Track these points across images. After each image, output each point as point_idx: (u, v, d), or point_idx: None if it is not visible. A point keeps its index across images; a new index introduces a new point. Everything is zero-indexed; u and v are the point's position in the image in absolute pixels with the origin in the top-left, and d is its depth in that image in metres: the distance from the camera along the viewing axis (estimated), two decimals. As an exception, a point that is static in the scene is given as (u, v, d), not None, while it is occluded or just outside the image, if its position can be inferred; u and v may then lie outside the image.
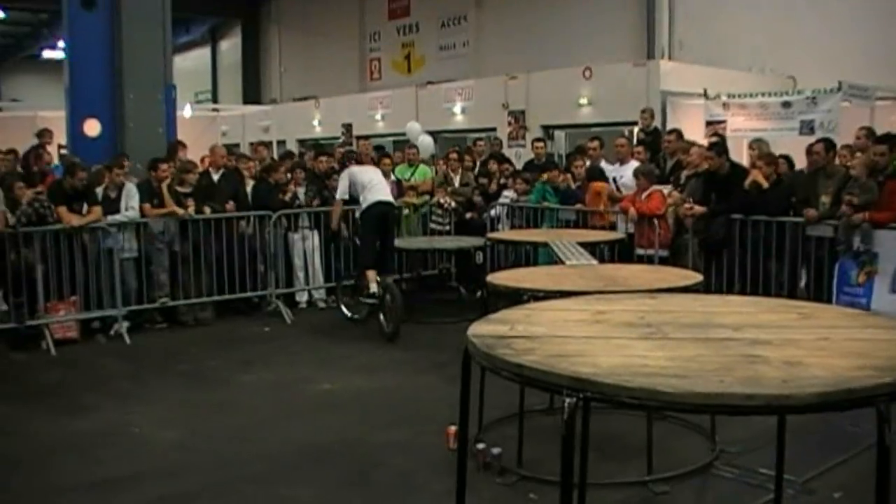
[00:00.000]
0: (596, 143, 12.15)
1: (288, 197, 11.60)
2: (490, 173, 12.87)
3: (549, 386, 2.97)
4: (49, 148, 13.26)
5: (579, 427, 3.10)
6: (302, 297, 12.07)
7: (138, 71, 11.90)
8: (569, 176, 11.52)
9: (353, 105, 21.00)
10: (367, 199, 9.60)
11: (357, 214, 10.01)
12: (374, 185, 9.68)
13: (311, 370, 8.80)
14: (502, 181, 12.58)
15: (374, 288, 9.60)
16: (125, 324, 10.55)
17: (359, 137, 16.74)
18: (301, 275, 11.92)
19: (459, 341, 3.48)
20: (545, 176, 11.56)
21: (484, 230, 11.53)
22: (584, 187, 11.06)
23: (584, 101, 15.20)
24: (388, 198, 9.71)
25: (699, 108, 13.66)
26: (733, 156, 10.50)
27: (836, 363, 3.05)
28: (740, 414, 2.78)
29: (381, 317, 9.67)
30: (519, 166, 13.48)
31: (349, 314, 10.50)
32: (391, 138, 17.47)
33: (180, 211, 11.00)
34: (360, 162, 10.79)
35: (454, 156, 13.31)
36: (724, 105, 13.45)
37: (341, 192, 9.99)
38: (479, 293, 9.04)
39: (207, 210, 11.16)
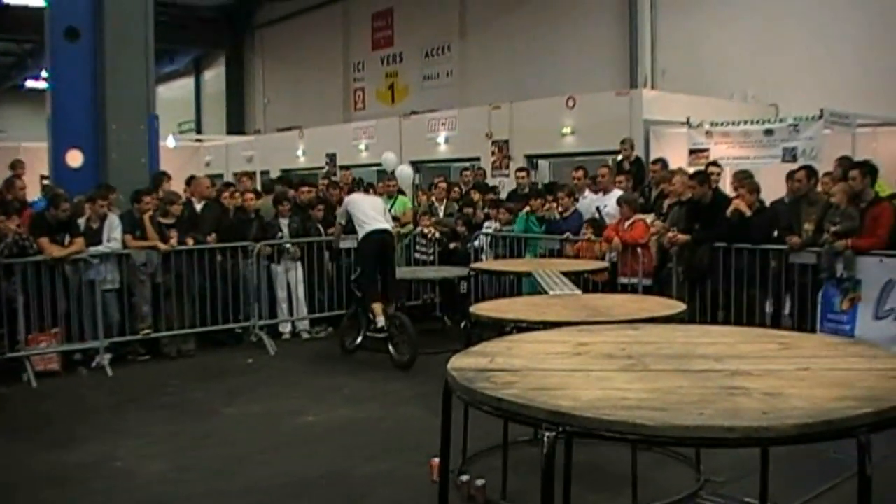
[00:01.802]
0: (580, 173, 12.15)
1: (273, 233, 11.54)
2: (473, 202, 12.81)
3: (529, 420, 2.94)
4: (25, 177, 13.19)
5: (562, 459, 3.05)
6: (285, 329, 11.92)
7: (121, 101, 11.83)
8: (554, 205, 11.40)
9: (336, 135, 20.60)
10: (365, 227, 9.52)
11: (356, 245, 9.94)
12: (373, 214, 9.61)
13: (296, 402, 8.68)
14: (486, 211, 12.52)
15: (381, 322, 9.48)
16: (107, 356, 10.38)
17: (343, 167, 17.00)
18: (284, 306, 11.79)
19: (444, 371, 3.45)
20: (530, 205, 11.51)
21: (468, 260, 11.51)
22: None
23: (567, 130, 14.93)
24: (387, 226, 9.60)
25: (682, 137, 13.45)
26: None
27: (816, 394, 3.02)
28: (721, 447, 2.75)
29: (392, 348, 9.57)
30: (503, 195, 13.49)
31: (346, 344, 10.32)
32: (374, 168, 17.21)
33: (163, 246, 10.87)
34: (364, 189, 10.99)
35: (443, 185, 13.26)
36: (707, 133, 13.23)
37: (341, 216, 10.11)
38: (463, 323, 8.72)
39: (190, 241, 11.04)
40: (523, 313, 5.05)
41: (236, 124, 31.54)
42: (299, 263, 11.69)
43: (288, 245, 11.61)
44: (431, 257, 12.52)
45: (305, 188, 12.60)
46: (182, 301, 10.79)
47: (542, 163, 15.90)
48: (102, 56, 11.77)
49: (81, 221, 10.51)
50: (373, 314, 9.56)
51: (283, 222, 11.85)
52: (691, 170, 11.08)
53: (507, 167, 15.68)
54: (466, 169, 14.76)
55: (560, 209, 11.25)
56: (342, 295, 11.84)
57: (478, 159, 16.40)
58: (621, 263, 10.05)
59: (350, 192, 11.49)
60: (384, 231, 9.52)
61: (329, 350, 10.79)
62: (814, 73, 15.42)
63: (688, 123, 13.50)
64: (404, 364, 9.36)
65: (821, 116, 12.33)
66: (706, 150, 13.03)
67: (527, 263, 8.99)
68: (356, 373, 9.71)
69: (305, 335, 11.95)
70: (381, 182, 12.86)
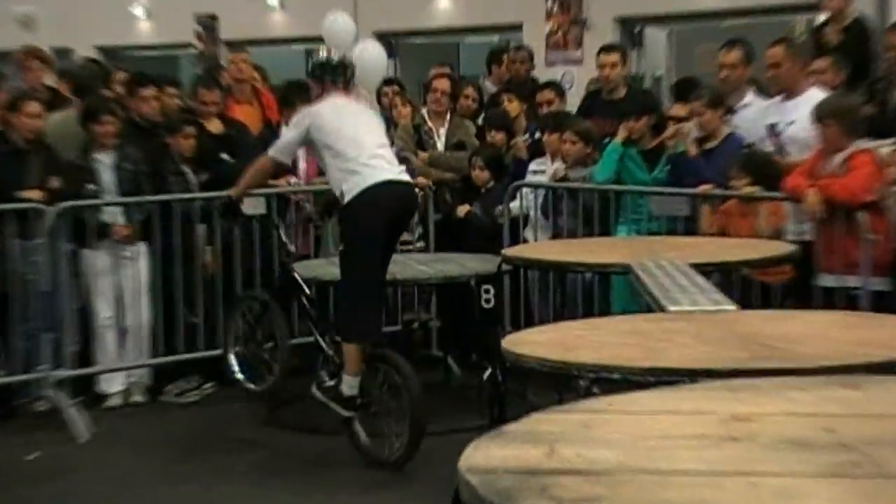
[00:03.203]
0: (735, 55, 7.79)
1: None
2: (507, 120, 8.91)
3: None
4: None
5: None
6: (112, 387, 8.12)
7: None
8: (682, 126, 7.65)
9: None
10: (363, 175, 6.36)
11: (341, 208, 6.68)
12: (372, 146, 6.42)
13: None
14: (532, 136, 8.75)
15: (353, 385, 6.43)
16: None
17: (232, 44, 12.34)
18: (109, 338, 7.89)
19: (447, 470, 2.37)
20: (626, 128, 7.85)
21: (496, 241, 8.11)
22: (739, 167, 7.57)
23: None
24: (403, 174, 6.59)
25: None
26: None
27: None
28: None
29: (358, 429, 6.62)
30: (572, 106, 9.20)
31: (252, 386, 7.39)
32: (302, 46, 12.09)
33: None
34: (340, 87, 6.94)
35: (443, 84, 9.11)
36: None
37: (282, 147, 6.66)
38: (487, 371, 6.81)
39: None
40: (615, 352, 3.75)
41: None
42: (142, 250, 7.96)
43: (113, 212, 7.94)
44: (419, 238, 8.88)
45: (149, 91, 8.22)
46: None
47: (654, 33, 12.20)
48: None
49: None
50: (344, 362, 6.53)
51: (104, 162, 7.87)
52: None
53: (580, 44, 12.07)
54: (500, 52, 10.55)
55: (693, 134, 7.71)
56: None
57: (518, 27, 12.60)
58: (821, 246, 7.14)
59: (286, 95, 8.28)
60: (400, 184, 6.48)
61: (214, 429, 7.71)
62: None
63: None
64: (397, 458, 6.54)
65: None
66: None
67: (620, 247, 6.71)
68: (280, 479, 6.96)
69: (161, 398, 8.39)
70: (322, 77, 7.69)
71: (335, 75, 6.68)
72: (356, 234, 6.49)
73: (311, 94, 6.78)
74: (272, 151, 6.72)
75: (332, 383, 6.73)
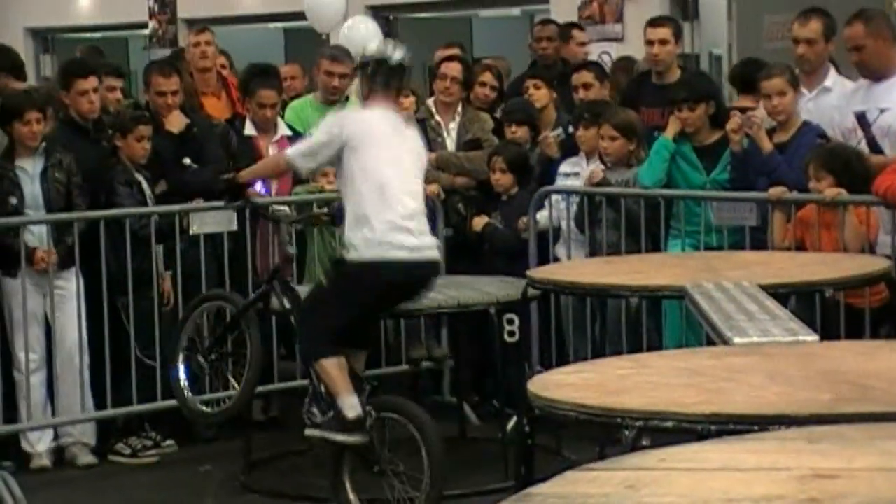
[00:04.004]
0: (813, 27, 7.13)
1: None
2: (532, 113, 8.09)
3: None
4: None
5: None
6: (39, 444, 7.33)
7: None
8: (752, 114, 7.01)
9: None
10: (380, 246, 5.94)
11: (341, 258, 6.27)
12: (398, 207, 5.99)
13: None
14: (565, 132, 7.86)
15: (355, 408, 5.93)
16: None
17: (194, 22, 11.34)
18: (36, 382, 7.20)
19: None
20: (678, 120, 7.27)
21: (520, 260, 7.56)
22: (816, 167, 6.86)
23: None
24: (427, 249, 6.08)
25: None
26: None
27: None
28: None
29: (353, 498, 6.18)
30: (610, 95, 8.50)
31: (204, 409, 6.75)
32: (279, 24, 12.10)
33: None
34: (392, 95, 6.42)
35: (453, 69, 8.36)
36: None
37: (306, 152, 6.14)
38: (509, 420, 6.62)
39: None
40: (667, 395, 3.60)
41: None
42: (71, 277, 7.24)
43: (39, 232, 7.27)
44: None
45: (89, 83, 7.29)
46: None
47: (711, 2, 11.36)
48: None
49: None
50: (329, 388, 6.05)
51: (27, 170, 7.20)
52: None
53: (620, 17, 11.32)
54: (542, 21, 10.12)
55: (758, 125, 7.08)
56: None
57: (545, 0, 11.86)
58: None
59: (247, 83, 7.74)
60: (422, 265, 6.10)
61: (177, 497, 6.93)
62: None
63: None
64: None
65: None
66: None
67: (673, 266, 6.55)
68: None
69: (88, 459, 7.46)
70: (374, 77, 7.06)
71: (390, 78, 6.22)
72: (353, 291, 6.12)
73: (360, 91, 6.47)
74: (291, 152, 6.28)
75: (327, 417, 6.26)
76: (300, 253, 7.36)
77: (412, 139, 6.49)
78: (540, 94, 8.09)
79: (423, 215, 6.29)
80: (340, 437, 6.09)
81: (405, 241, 6.03)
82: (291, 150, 6.40)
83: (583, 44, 9.38)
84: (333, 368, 6.08)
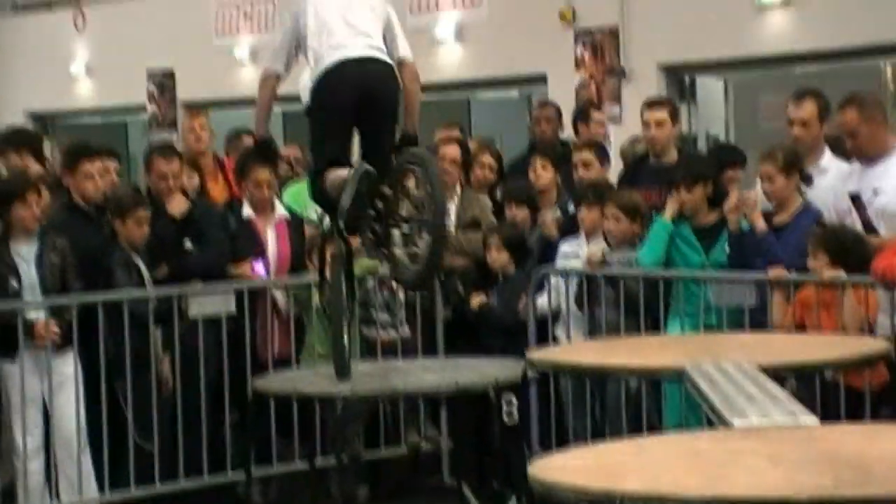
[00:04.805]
0: (808, 109, 7.17)
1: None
2: (531, 193, 8.29)
3: None
4: None
5: None
6: None
7: None
8: (748, 194, 7.25)
9: (178, 20, 13.92)
10: (328, 54, 6.21)
11: (307, 93, 6.35)
12: (340, 27, 6.22)
13: None
14: (562, 211, 8.17)
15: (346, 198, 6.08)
16: None
17: (192, 105, 12.02)
18: (35, 467, 7.01)
19: None
20: (676, 201, 7.36)
21: (519, 340, 7.52)
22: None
23: None
24: (374, 51, 6.22)
25: None
26: None
27: None
28: None
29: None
30: (612, 174, 8.51)
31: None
32: (277, 106, 9.81)
33: None
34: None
35: (451, 151, 8.46)
36: None
37: (274, 51, 6.56)
38: (510, 501, 6.67)
39: None
40: (669, 479, 3.58)
41: None
42: (69, 361, 7.12)
43: (35, 316, 7.06)
44: (405, 333, 8.19)
45: (96, 165, 7.41)
46: None
47: (709, 84, 11.59)
48: None
49: None
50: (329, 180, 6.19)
51: (22, 253, 7.12)
52: None
53: (618, 98, 11.27)
54: (541, 103, 10.21)
55: (762, 205, 7.30)
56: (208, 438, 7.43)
57: (542, 79, 11.73)
58: None
59: (242, 165, 7.64)
60: (372, 60, 6.22)
61: None
62: None
63: None
64: (417, 280, 6.37)
65: None
66: None
67: (673, 347, 6.38)
68: None
69: None
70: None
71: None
72: (322, 106, 6.27)
73: None
74: (265, 62, 6.53)
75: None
76: (299, 334, 7.29)
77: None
78: (546, 175, 8.12)
79: (376, 39, 6.45)
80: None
81: (353, 43, 6.27)
82: (265, 61, 6.73)
83: (601, 124, 9.41)
84: (333, 173, 6.25)
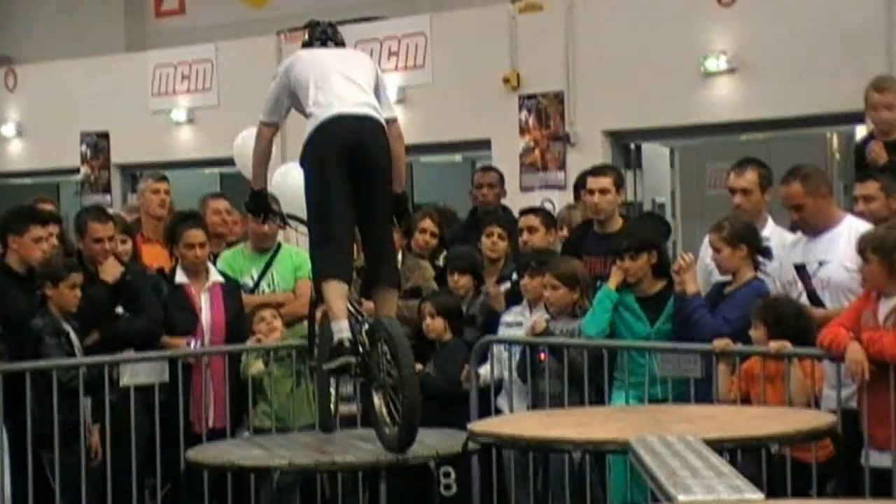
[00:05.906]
0: (749, 177, 7.48)
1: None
2: (474, 262, 8.21)
3: None
4: None
5: None
6: None
7: None
8: (685, 261, 7.25)
9: (113, 81, 13.69)
10: (322, 108, 6.33)
11: (302, 148, 6.51)
12: (336, 83, 6.39)
13: None
14: (507, 281, 8.01)
15: (343, 329, 6.13)
16: None
17: (127, 168, 12.50)
18: None
19: None
20: (620, 270, 7.35)
21: (459, 410, 7.58)
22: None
23: (715, 63, 10.41)
24: (364, 108, 6.35)
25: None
26: None
27: None
28: None
29: (377, 401, 6.44)
30: (556, 241, 8.55)
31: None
32: (215, 168, 12.04)
33: None
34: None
35: None
36: None
37: (268, 104, 6.65)
38: None
39: None
40: None
41: None
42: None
43: None
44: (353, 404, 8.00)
45: (46, 230, 7.55)
46: None
47: (654, 149, 11.68)
48: None
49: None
50: (329, 307, 6.31)
51: None
52: None
53: (562, 165, 11.38)
54: (488, 168, 10.18)
55: (685, 267, 7.26)
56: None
57: (485, 144, 11.83)
58: (869, 415, 6.80)
59: (173, 229, 7.66)
60: (361, 118, 6.34)
61: None
62: None
63: None
64: (396, 442, 6.33)
65: None
66: None
67: (617, 419, 6.58)
68: None
69: None
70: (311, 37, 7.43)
71: (320, 34, 6.70)
72: (315, 162, 6.31)
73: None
74: (261, 115, 6.54)
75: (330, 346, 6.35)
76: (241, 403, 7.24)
77: (351, 55, 6.87)
78: (502, 244, 8.12)
79: (368, 91, 6.51)
80: (337, 363, 6.28)
81: (347, 99, 6.34)
82: (261, 114, 6.69)
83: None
84: (335, 287, 6.28)
